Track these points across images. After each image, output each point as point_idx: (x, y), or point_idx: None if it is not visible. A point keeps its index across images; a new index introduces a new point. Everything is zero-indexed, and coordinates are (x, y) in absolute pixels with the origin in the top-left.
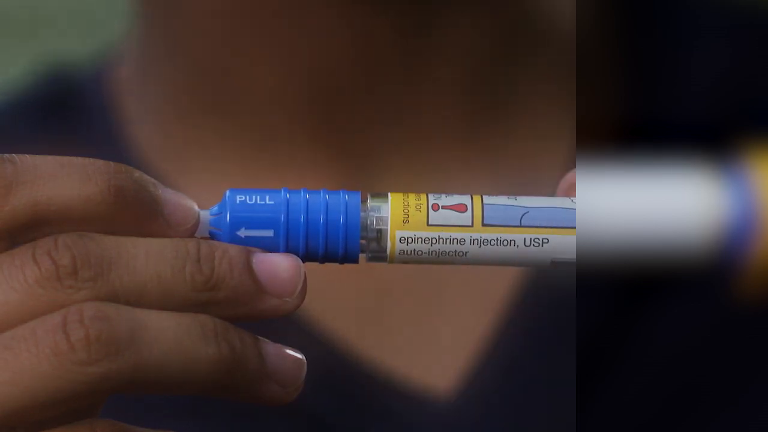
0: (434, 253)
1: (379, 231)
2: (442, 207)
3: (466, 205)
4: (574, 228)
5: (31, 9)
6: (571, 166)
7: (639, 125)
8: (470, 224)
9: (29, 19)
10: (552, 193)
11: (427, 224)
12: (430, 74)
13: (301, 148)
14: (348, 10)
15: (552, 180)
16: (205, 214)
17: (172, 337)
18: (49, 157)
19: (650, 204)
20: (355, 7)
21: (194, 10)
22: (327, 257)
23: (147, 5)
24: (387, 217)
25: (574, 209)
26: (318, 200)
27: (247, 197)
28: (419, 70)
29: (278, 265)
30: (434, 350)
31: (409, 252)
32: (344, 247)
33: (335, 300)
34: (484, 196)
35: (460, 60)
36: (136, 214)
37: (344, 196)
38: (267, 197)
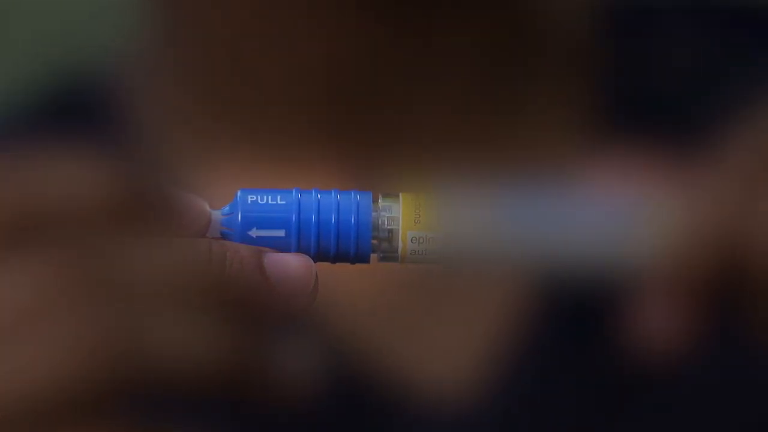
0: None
1: (391, 231)
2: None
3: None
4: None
5: (45, 10)
6: (575, 163)
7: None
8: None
9: (43, 21)
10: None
11: (439, 224)
12: (437, 75)
13: (312, 149)
14: (354, 13)
15: (556, 176)
16: (217, 214)
17: (182, 339)
18: (61, 157)
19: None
20: (360, 12)
21: (205, 13)
22: (338, 257)
23: (159, 8)
24: (398, 217)
25: (580, 209)
26: (329, 200)
27: (259, 197)
28: (426, 71)
29: (290, 265)
30: (446, 350)
31: (420, 252)
32: (356, 247)
33: (346, 300)
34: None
35: (465, 60)
36: (148, 215)
37: (356, 196)
38: (278, 197)
